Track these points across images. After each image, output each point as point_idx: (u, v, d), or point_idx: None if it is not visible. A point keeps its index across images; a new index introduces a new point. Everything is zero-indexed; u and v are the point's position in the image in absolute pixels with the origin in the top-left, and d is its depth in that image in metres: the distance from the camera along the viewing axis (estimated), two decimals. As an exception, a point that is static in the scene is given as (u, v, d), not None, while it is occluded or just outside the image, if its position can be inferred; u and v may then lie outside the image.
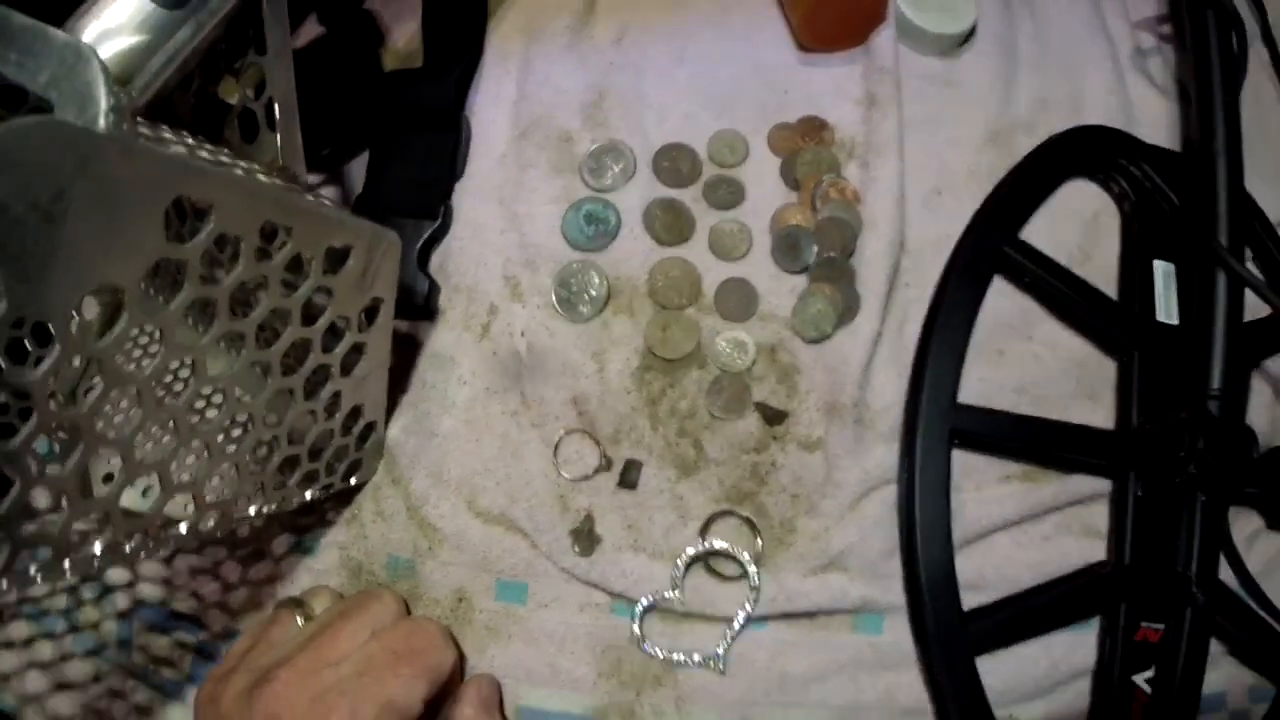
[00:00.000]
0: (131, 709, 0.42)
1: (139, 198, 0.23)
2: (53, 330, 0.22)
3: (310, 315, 0.32)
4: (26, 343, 0.34)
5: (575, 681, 0.40)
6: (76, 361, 0.24)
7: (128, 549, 0.31)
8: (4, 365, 0.27)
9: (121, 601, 0.43)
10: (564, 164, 0.44)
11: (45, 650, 0.43)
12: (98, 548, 0.29)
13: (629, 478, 0.40)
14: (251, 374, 0.34)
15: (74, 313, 0.22)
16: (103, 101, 0.22)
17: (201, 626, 0.42)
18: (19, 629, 0.44)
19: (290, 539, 0.42)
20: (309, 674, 0.33)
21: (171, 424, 0.29)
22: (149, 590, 0.42)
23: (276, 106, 0.33)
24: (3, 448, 0.23)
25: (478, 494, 0.41)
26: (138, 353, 0.39)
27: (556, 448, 0.41)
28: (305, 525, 0.42)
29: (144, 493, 0.34)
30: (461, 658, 0.39)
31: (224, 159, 0.31)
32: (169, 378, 0.39)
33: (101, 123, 0.22)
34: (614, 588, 0.40)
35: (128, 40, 0.25)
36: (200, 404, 0.41)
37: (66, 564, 0.30)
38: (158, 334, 0.28)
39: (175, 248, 0.25)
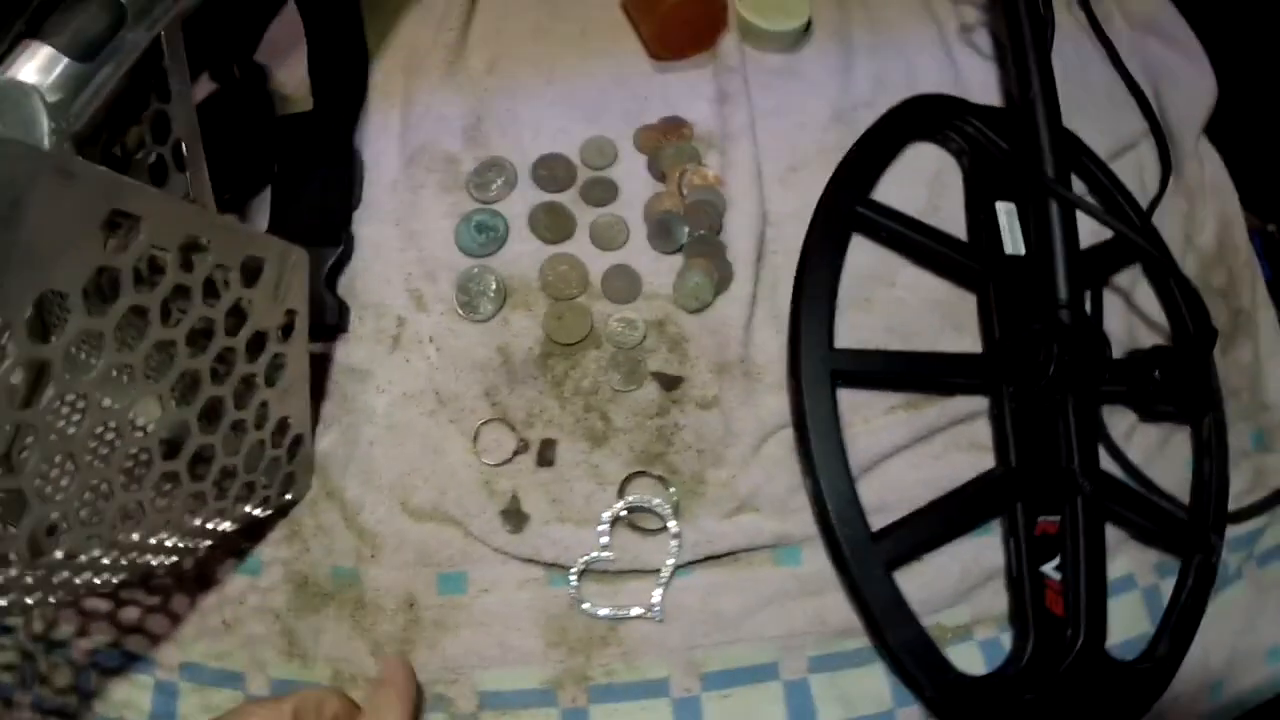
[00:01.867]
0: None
1: (81, 209, 0.30)
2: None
3: (232, 330, 0.40)
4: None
5: (525, 656, 0.46)
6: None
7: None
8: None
9: (76, 654, 0.48)
10: (451, 182, 0.52)
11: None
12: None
13: (546, 455, 0.48)
14: (184, 384, 0.41)
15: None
16: (45, 125, 0.30)
17: (156, 664, 0.47)
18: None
19: (234, 563, 0.48)
20: None
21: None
22: (100, 637, 0.48)
23: (184, 146, 0.40)
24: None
25: (409, 493, 0.48)
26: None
27: (475, 438, 0.48)
28: (248, 548, 0.48)
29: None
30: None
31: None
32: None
33: (45, 144, 0.30)
34: (546, 558, 0.46)
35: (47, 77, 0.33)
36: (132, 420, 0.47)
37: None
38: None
39: (112, 256, 0.32)
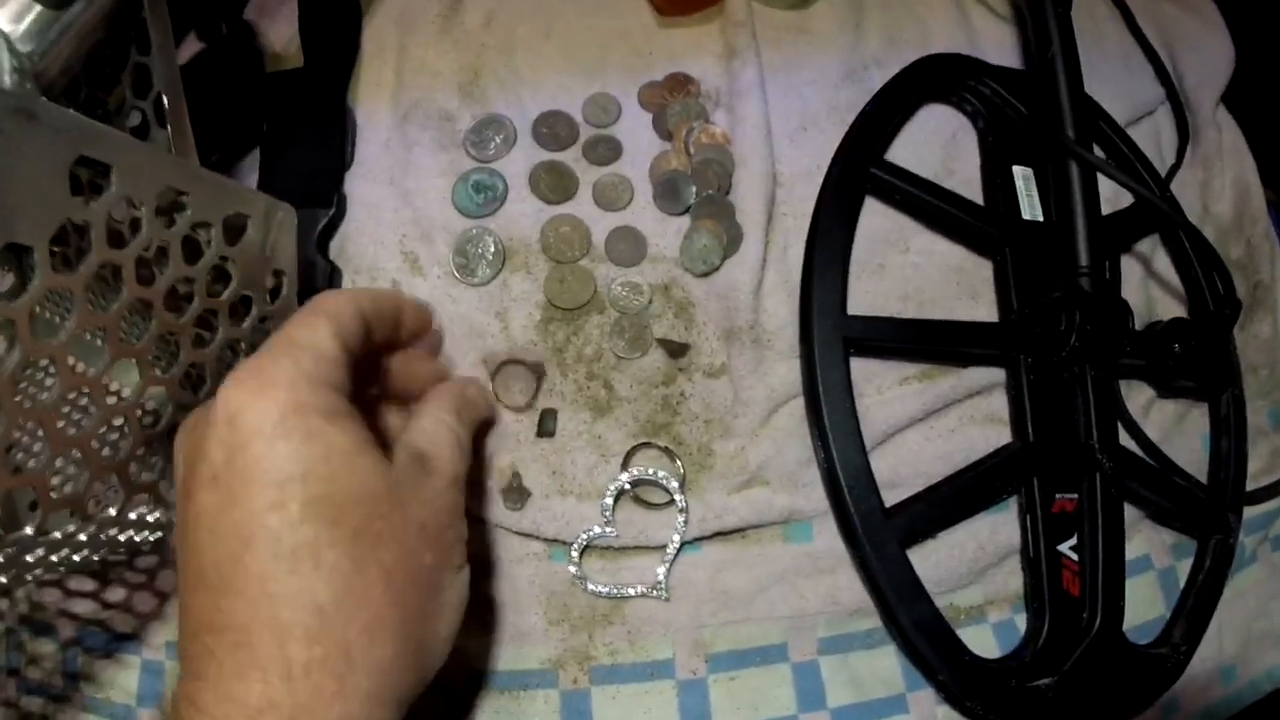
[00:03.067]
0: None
1: (45, 154, 0.27)
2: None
3: (215, 292, 0.37)
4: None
5: (526, 634, 0.43)
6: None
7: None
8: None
9: (62, 635, 0.45)
10: (447, 140, 0.49)
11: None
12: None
13: (546, 426, 0.45)
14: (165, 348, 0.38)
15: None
16: (5, 63, 0.27)
17: (142, 643, 0.45)
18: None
19: (220, 537, 0.45)
20: None
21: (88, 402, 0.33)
22: (85, 616, 0.45)
23: (165, 99, 0.37)
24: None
25: (403, 464, 0.45)
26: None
27: (474, 407, 0.45)
28: (234, 521, 0.45)
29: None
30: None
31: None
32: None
33: (6, 80, 0.27)
34: (547, 533, 0.44)
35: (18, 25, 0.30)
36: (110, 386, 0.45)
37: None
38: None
39: (81, 207, 0.29)
